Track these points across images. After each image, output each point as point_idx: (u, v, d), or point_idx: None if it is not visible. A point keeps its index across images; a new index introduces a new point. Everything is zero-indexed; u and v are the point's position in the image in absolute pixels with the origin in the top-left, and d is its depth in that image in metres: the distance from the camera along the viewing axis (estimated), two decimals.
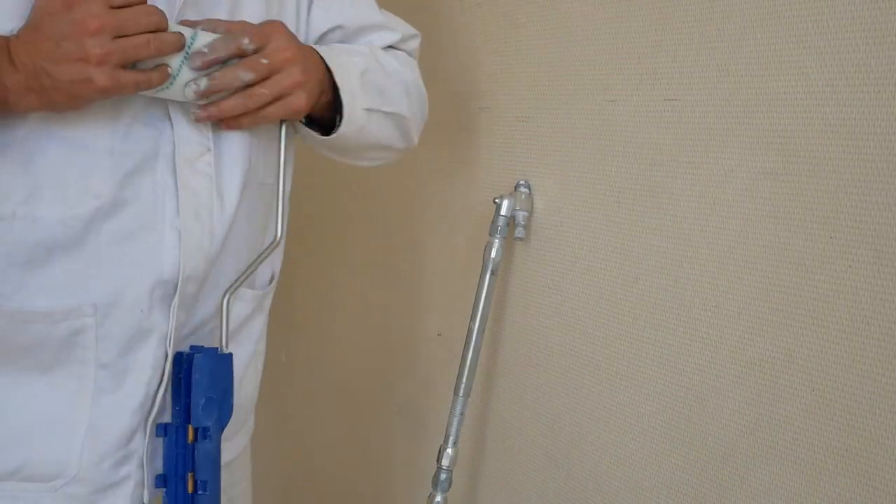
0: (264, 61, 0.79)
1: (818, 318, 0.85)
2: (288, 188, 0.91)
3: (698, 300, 0.96)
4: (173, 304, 0.82)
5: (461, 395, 1.16)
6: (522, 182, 1.17)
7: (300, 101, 0.83)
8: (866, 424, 0.82)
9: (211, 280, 0.85)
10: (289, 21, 0.91)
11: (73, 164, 0.77)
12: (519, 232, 1.15)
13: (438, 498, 1.17)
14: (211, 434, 0.76)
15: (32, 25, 0.72)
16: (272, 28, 0.82)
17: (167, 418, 0.83)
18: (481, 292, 1.15)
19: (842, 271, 0.83)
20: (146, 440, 0.83)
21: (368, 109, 0.91)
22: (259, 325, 0.96)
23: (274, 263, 0.99)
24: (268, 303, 0.98)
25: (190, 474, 0.77)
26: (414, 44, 1.04)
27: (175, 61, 0.75)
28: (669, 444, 1.01)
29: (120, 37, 0.71)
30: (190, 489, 0.77)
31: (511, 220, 1.15)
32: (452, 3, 1.28)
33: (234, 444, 0.97)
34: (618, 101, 1.04)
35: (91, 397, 0.81)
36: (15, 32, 0.72)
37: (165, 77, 0.75)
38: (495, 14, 1.21)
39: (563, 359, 1.14)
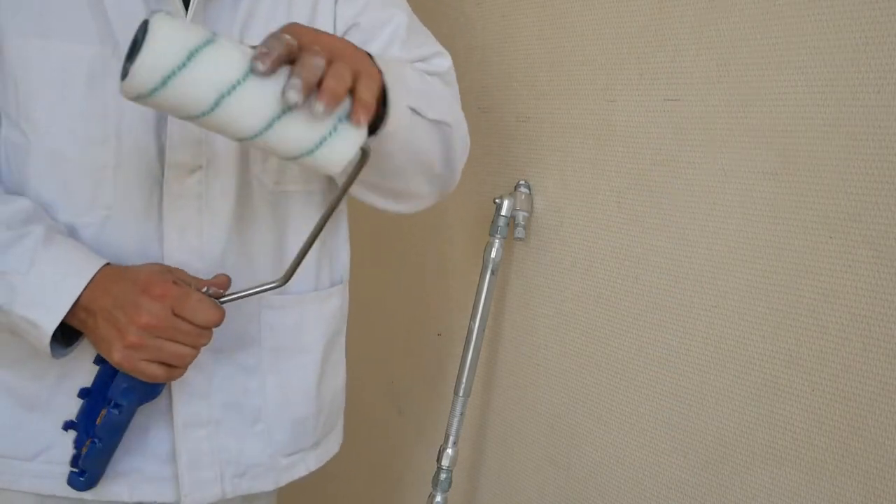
0: (316, 48, 0.69)
1: (818, 318, 0.85)
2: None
3: (698, 300, 0.96)
4: None
5: (461, 395, 1.16)
6: (522, 182, 1.17)
7: (375, 70, 0.73)
8: (866, 424, 0.82)
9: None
10: (320, 20, 0.89)
11: (80, 178, 0.80)
12: (519, 232, 1.15)
13: (438, 498, 1.17)
14: (123, 408, 0.80)
15: (117, 275, 0.77)
16: (298, 26, 0.72)
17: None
18: (481, 292, 1.15)
19: (842, 271, 0.83)
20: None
21: (414, 109, 0.81)
22: (316, 333, 0.95)
23: (320, 268, 0.96)
24: (325, 310, 0.95)
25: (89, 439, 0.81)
26: (443, 63, 0.95)
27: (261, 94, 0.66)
28: (669, 444, 1.01)
29: (163, 337, 0.76)
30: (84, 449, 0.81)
31: (511, 220, 1.15)
32: (452, 4, 1.28)
33: (323, 451, 0.99)
34: (618, 101, 1.04)
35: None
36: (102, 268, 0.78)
37: (178, 376, 0.79)
38: (495, 14, 1.21)
39: (563, 358, 1.14)
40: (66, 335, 0.79)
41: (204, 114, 0.65)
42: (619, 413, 1.07)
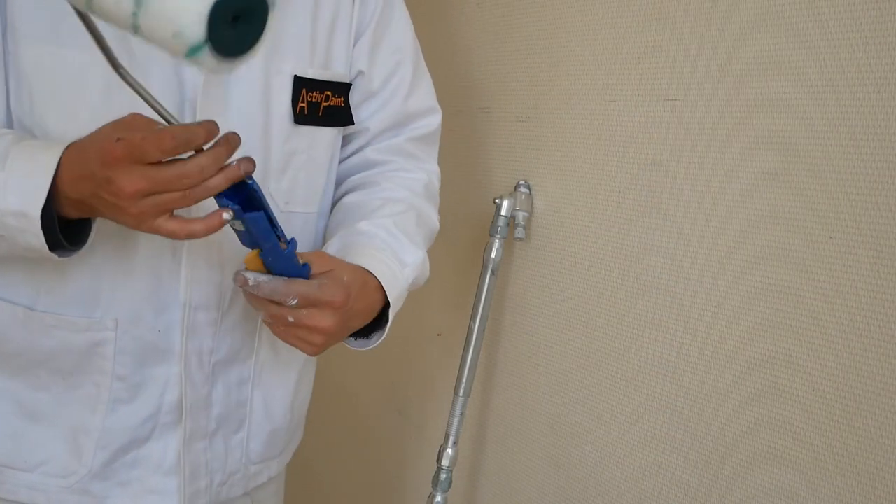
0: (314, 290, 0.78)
1: (818, 318, 0.85)
2: None
3: (698, 300, 0.96)
4: (183, 328, 0.84)
5: (461, 395, 1.16)
6: (522, 182, 1.17)
7: (313, 347, 0.81)
8: (866, 424, 0.82)
9: (240, 309, 0.88)
10: (339, 51, 0.90)
11: None
12: (519, 232, 1.15)
13: (438, 498, 1.17)
14: (237, 210, 0.73)
15: (75, 157, 0.70)
16: (335, 264, 0.81)
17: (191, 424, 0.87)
18: (481, 292, 1.15)
19: (842, 271, 0.83)
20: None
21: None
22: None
23: None
24: None
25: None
26: (433, 122, 1.02)
27: None
28: (669, 444, 1.01)
29: (157, 192, 0.68)
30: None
31: (511, 220, 1.15)
32: (452, 4, 1.28)
33: (284, 457, 1.02)
34: (618, 101, 1.04)
35: (107, 405, 0.84)
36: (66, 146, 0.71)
37: (213, 228, 0.71)
38: (495, 14, 1.21)
39: (563, 358, 1.14)
40: (71, 242, 0.74)
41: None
42: (619, 413, 1.07)
